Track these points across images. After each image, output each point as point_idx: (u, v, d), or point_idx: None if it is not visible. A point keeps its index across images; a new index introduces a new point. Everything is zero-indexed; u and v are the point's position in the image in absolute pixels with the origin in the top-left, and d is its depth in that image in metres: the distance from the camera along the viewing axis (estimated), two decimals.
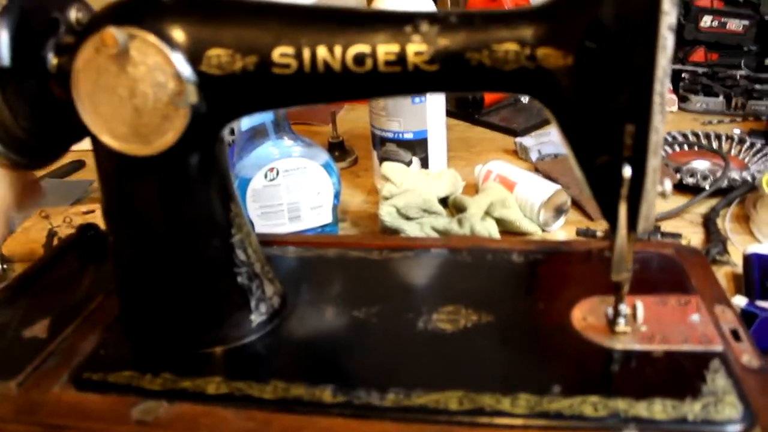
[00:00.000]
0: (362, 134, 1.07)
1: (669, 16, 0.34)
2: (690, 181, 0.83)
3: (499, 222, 0.76)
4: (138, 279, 0.50)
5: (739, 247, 0.70)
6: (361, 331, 0.50)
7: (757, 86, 1.13)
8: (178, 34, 0.41)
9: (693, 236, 0.74)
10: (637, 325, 0.46)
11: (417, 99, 0.80)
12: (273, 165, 0.71)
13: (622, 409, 0.40)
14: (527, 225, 0.76)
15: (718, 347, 0.44)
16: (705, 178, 0.83)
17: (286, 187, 0.73)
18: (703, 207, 0.81)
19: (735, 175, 0.83)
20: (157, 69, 0.40)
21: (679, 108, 1.17)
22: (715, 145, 0.95)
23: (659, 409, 0.39)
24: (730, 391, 0.40)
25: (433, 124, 0.83)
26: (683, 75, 1.18)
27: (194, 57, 0.41)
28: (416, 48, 0.39)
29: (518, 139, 1.01)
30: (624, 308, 0.46)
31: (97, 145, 0.45)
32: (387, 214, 0.74)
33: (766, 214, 0.74)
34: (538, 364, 0.46)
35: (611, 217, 0.41)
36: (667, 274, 0.54)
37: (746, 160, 0.91)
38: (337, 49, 0.39)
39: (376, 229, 0.79)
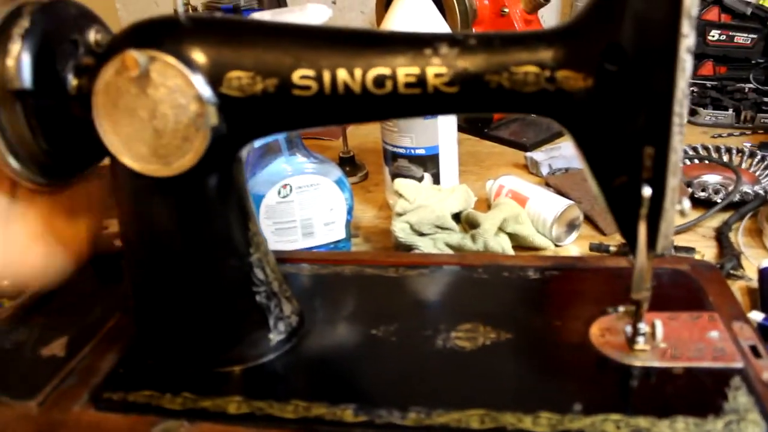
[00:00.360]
0: (372, 149, 1.08)
1: (688, 38, 0.34)
2: (702, 195, 0.83)
3: (512, 237, 0.76)
4: (156, 298, 0.50)
5: (753, 261, 0.70)
6: (379, 350, 0.50)
7: (766, 99, 1.13)
8: (199, 57, 0.41)
9: (706, 250, 0.74)
10: (656, 342, 0.46)
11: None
12: (286, 181, 0.72)
13: (644, 427, 0.40)
14: (540, 240, 0.76)
15: (738, 364, 0.44)
16: (717, 192, 0.83)
17: (300, 204, 0.73)
18: (716, 221, 0.81)
19: (747, 188, 0.83)
20: (177, 91, 0.41)
21: (689, 121, 1.17)
22: (725, 158, 0.95)
23: (682, 427, 0.40)
24: (752, 409, 0.40)
25: (445, 140, 0.83)
26: (692, 88, 1.19)
27: (214, 79, 0.41)
28: (436, 70, 0.39)
29: (528, 154, 1.01)
30: (643, 326, 0.46)
31: (116, 166, 0.45)
32: (401, 230, 0.74)
33: None
34: (559, 382, 0.46)
35: (630, 237, 0.41)
36: (684, 290, 0.54)
37: (757, 173, 0.91)
38: (358, 72, 0.40)
39: (388, 245, 0.80)
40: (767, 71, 1.18)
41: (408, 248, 0.74)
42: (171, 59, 0.40)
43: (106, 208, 0.55)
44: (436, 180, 0.85)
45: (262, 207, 0.72)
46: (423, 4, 0.78)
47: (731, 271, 0.69)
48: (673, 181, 0.38)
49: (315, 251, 0.74)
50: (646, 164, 0.38)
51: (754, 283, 0.66)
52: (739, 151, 0.96)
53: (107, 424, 0.45)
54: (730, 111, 1.14)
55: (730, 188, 0.83)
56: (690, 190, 0.84)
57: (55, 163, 0.47)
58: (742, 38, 1.18)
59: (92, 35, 0.47)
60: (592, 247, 0.76)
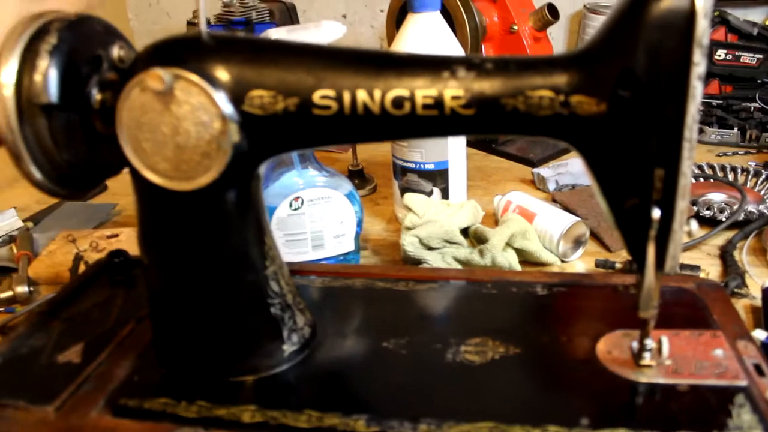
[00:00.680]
0: (381, 162, 1.09)
1: (699, 66, 0.36)
2: (707, 213, 0.84)
3: (520, 253, 0.77)
4: (173, 308, 0.51)
5: (757, 279, 0.71)
6: (390, 362, 0.51)
7: None
8: (222, 75, 0.42)
9: (711, 268, 0.75)
10: (662, 358, 0.47)
11: None
12: (298, 194, 0.73)
13: None
14: (547, 256, 0.77)
15: (743, 382, 0.45)
16: (722, 210, 0.84)
17: (310, 216, 0.74)
18: (720, 239, 0.82)
19: (752, 207, 0.84)
20: (200, 108, 0.42)
21: None
22: (730, 177, 0.96)
23: None
24: (756, 426, 0.41)
25: (454, 156, 0.84)
26: None
27: (237, 97, 0.42)
28: (453, 93, 0.40)
29: (536, 170, 1.03)
30: (649, 343, 0.47)
31: (137, 179, 0.47)
32: (410, 244, 0.75)
33: None
34: (566, 397, 0.47)
35: (639, 257, 0.43)
36: (690, 308, 0.55)
37: (762, 192, 0.92)
38: (377, 93, 0.41)
39: (397, 258, 0.81)
40: None
41: (417, 262, 0.75)
42: (195, 77, 0.42)
43: None
44: (445, 195, 0.86)
45: (273, 219, 0.73)
46: (435, 22, 0.80)
47: (735, 290, 0.70)
48: (682, 204, 0.39)
49: (326, 264, 0.75)
50: (657, 186, 0.39)
51: (758, 302, 0.67)
52: (744, 170, 0.97)
53: (124, 430, 0.46)
54: (736, 130, 1.15)
55: (735, 207, 0.84)
56: (695, 208, 0.85)
57: (75, 174, 0.48)
58: (748, 58, 1.19)
59: (116, 51, 0.48)
60: (598, 264, 0.77)
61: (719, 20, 1.19)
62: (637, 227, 0.41)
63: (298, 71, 0.42)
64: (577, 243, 0.80)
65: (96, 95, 0.46)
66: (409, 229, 0.77)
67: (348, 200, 0.75)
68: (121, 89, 0.43)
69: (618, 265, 0.76)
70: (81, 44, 0.46)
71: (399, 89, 0.41)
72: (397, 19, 1.12)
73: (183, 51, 0.43)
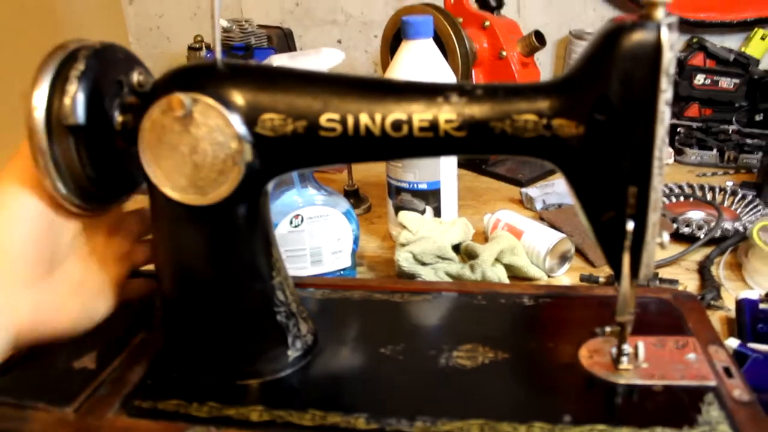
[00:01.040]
0: (375, 182, 1.13)
1: (666, 93, 0.40)
2: (686, 230, 0.88)
3: (508, 268, 0.81)
4: (184, 316, 0.55)
5: (732, 293, 0.76)
6: (388, 366, 0.54)
7: (749, 140, 1.19)
8: (237, 99, 0.46)
9: (689, 282, 0.79)
10: (639, 362, 0.51)
11: None
12: (298, 212, 0.77)
13: None
14: (534, 271, 0.81)
15: (712, 382, 0.49)
16: (700, 227, 0.89)
17: (310, 233, 0.78)
18: (698, 255, 0.86)
19: (728, 225, 0.89)
20: (217, 130, 0.46)
21: (675, 160, 1.23)
22: (709, 196, 1.01)
23: None
24: (723, 422, 0.45)
25: (446, 176, 0.88)
26: (679, 129, 1.25)
27: (250, 120, 0.46)
28: (447, 116, 0.45)
29: (524, 190, 1.07)
30: (627, 347, 0.51)
31: (155, 195, 0.50)
32: (404, 259, 0.79)
33: (757, 263, 0.79)
34: (550, 397, 0.51)
35: (616, 265, 0.47)
36: (666, 317, 0.59)
37: (738, 211, 0.97)
38: (378, 116, 0.45)
39: (391, 273, 0.85)
40: (749, 114, 1.25)
41: (411, 276, 0.79)
42: (212, 101, 0.46)
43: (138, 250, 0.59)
44: (437, 213, 0.90)
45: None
46: (428, 48, 0.84)
47: (712, 302, 0.74)
48: (654, 217, 0.43)
49: (325, 277, 0.79)
50: (630, 201, 0.43)
51: (733, 314, 0.71)
52: (722, 189, 1.01)
53: (140, 430, 0.49)
54: (715, 151, 1.20)
55: (713, 224, 0.89)
56: (675, 225, 0.89)
57: (98, 191, 0.52)
58: (726, 82, 1.24)
59: (135, 77, 0.52)
60: (582, 278, 0.81)
61: (698, 47, 1.25)
62: (614, 238, 0.45)
63: (306, 96, 0.46)
64: (563, 259, 0.84)
65: (118, 117, 0.50)
66: (403, 245, 0.81)
67: (345, 218, 0.79)
68: (141, 112, 0.47)
69: (602, 280, 0.80)
70: (105, 70, 0.50)
71: (398, 113, 0.45)
72: (390, 45, 1.16)
73: (201, 77, 0.47)
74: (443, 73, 0.85)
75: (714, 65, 1.25)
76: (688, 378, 0.50)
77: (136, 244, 0.59)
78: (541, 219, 0.97)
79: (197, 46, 1.34)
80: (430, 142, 0.46)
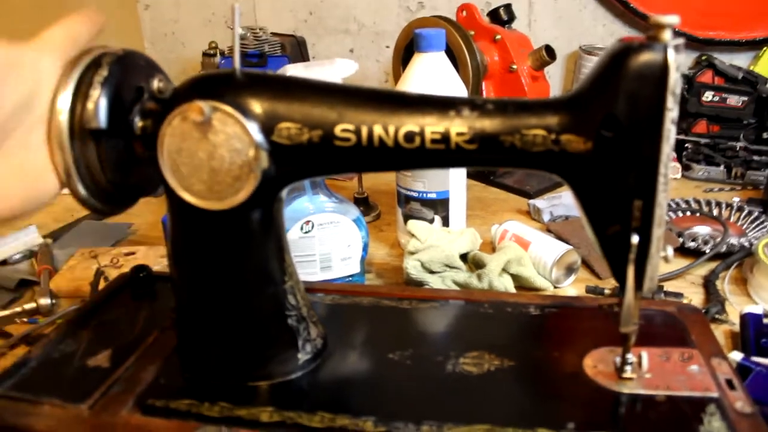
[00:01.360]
0: (385, 191, 1.14)
1: (672, 111, 0.41)
2: (691, 245, 0.89)
3: (515, 278, 0.82)
4: (198, 318, 0.56)
5: (737, 307, 0.76)
6: (396, 372, 0.56)
7: (756, 157, 1.20)
8: (255, 108, 0.48)
9: (694, 296, 0.80)
10: (642, 372, 0.52)
11: None
12: (309, 218, 0.78)
13: None
14: (540, 281, 0.82)
15: (714, 394, 0.50)
16: (705, 242, 0.90)
17: (320, 240, 0.79)
18: (704, 269, 0.87)
19: (734, 240, 0.90)
20: (235, 137, 0.47)
21: (683, 176, 1.24)
22: (715, 212, 1.02)
23: None
24: None
25: (455, 186, 0.90)
26: (686, 145, 1.26)
27: (267, 128, 0.48)
28: (458, 129, 0.46)
29: (531, 201, 1.08)
30: (631, 357, 0.52)
31: (172, 199, 0.52)
32: (412, 267, 0.80)
33: (762, 278, 0.80)
34: (555, 404, 0.52)
35: (621, 278, 0.48)
36: (670, 329, 0.60)
37: (744, 227, 0.97)
38: (391, 128, 0.47)
39: (399, 281, 0.86)
40: (757, 131, 1.26)
41: (419, 284, 0.80)
42: (230, 109, 0.47)
43: None
44: (446, 222, 0.91)
45: None
46: (440, 61, 0.85)
47: (716, 316, 0.74)
48: (658, 231, 0.45)
49: (335, 283, 0.80)
50: (635, 215, 0.44)
51: (737, 328, 0.72)
52: (728, 205, 1.02)
53: (153, 427, 0.51)
54: (722, 167, 1.21)
55: (718, 240, 0.90)
56: (681, 240, 0.90)
57: (116, 193, 0.53)
58: (734, 100, 1.25)
59: (155, 83, 0.54)
60: (588, 290, 0.82)
61: (707, 64, 1.26)
62: (619, 251, 0.47)
63: (322, 107, 0.48)
64: (569, 270, 0.85)
65: (138, 122, 0.52)
66: (411, 253, 0.82)
67: (355, 225, 0.80)
68: (161, 117, 0.49)
69: (607, 291, 0.81)
70: (126, 76, 0.51)
71: (411, 125, 0.47)
72: (402, 56, 1.17)
73: (220, 86, 0.49)
74: (455, 86, 0.86)
75: (722, 83, 1.26)
76: (690, 389, 0.51)
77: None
78: (548, 230, 0.98)
79: (212, 52, 1.36)
80: (441, 154, 0.47)
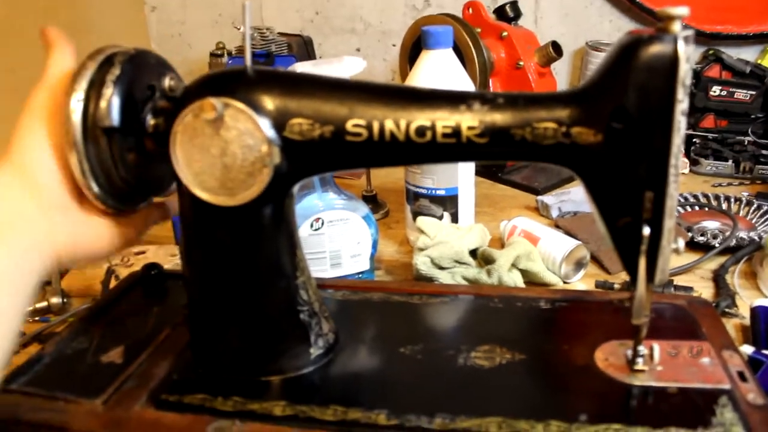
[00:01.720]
0: (393, 188, 1.14)
1: (682, 103, 0.41)
2: (701, 239, 0.89)
3: (524, 273, 0.82)
4: (210, 313, 0.56)
5: (747, 301, 0.76)
6: (407, 365, 0.56)
7: (764, 152, 1.19)
8: (266, 104, 0.48)
9: (704, 290, 0.80)
10: (654, 364, 0.52)
11: None
12: (318, 216, 0.78)
13: None
14: (550, 277, 0.82)
15: (726, 386, 0.50)
16: (715, 237, 0.90)
17: (329, 237, 0.80)
18: (713, 263, 0.87)
19: (743, 234, 0.90)
20: (246, 133, 0.48)
21: (691, 171, 1.24)
22: (724, 206, 1.02)
23: None
24: (736, 423, 0.46)
25: (464, 182, 0.90)
26: (694, 140, 1.26)
27: (279, 124, 0.48)
28: (469, 123, 0.46)
29: (540, 197, 1.08)
30: (642, 349, 0.52)
31: (184, 195, 0.52)
32: (422, 263, 0.80)
33: None
34: (567, 397, 0.52)
35: (632, 270, 0.48)
36: (681, 322, 0.60)
37: (753, 221, 0.97)
38: (402, 122, 0.47)
39: (409, 277, 0.86)
40: (765, 125, 1.26)
41: (428, 280, 0.81)
42: (242, 106, 0.47)
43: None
44: (455, 219, 0.92)
45: None
46: (447, 58, 0.86)
47: (726, 309, 0.74)
48: (669, 223, 0.45)
49: (345, 279, 0.80)
50: (646, 206, 0.44)
51: (747, 321, 0.72)
52: (737, 199, 1.02)
53: (167, 421, 0.51)
54: (730, 162, 1.21)
55: (728, 234, 0.90)
56: (690, 234, 0.90)
57: (129, 190, 0.54)
58: (741, 94, 1.25)
59: (167, 82, 0.54)
60: (597, 284, 0.82)
61: (714, 58, 1.26)
62: (630, 243, 0.47)
63: (333, 102, 0.48)
64: (578, 265, 0.85)
65: (150, 120, 0.52)
66: (421, 249, 0.83)
67: (365, 222, 0.81)
68: (173, 115, 0.49)
69: (617, 286, 0.81)
70: (138, 75, 0.52)
71: (422, 120, 0.47)
72: (409, 54, 1.18)
73: (232, 83, 0.49)
74: (462, 82, 0.87)
75: (730, 77, 1.26)
76: (702, 381, 0.51)
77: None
78: (557, 226, 0.98)
79: (219, 52, 1.36)
80: (452, 148, 0.47)
